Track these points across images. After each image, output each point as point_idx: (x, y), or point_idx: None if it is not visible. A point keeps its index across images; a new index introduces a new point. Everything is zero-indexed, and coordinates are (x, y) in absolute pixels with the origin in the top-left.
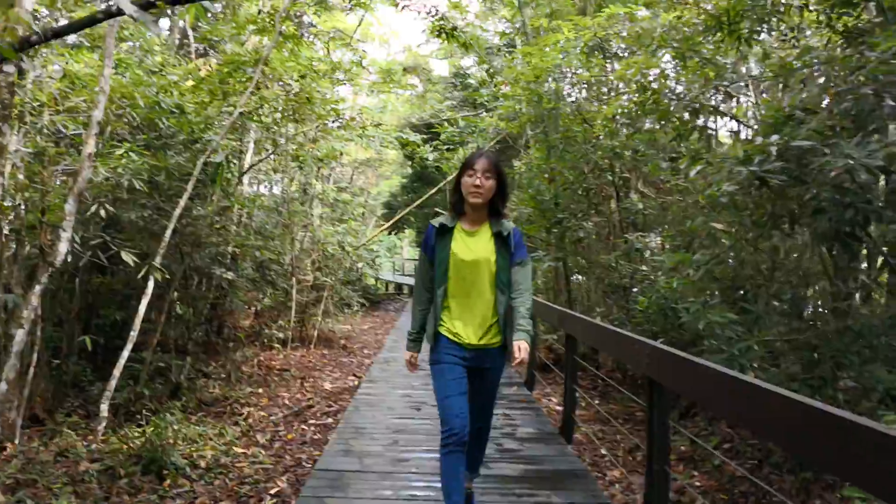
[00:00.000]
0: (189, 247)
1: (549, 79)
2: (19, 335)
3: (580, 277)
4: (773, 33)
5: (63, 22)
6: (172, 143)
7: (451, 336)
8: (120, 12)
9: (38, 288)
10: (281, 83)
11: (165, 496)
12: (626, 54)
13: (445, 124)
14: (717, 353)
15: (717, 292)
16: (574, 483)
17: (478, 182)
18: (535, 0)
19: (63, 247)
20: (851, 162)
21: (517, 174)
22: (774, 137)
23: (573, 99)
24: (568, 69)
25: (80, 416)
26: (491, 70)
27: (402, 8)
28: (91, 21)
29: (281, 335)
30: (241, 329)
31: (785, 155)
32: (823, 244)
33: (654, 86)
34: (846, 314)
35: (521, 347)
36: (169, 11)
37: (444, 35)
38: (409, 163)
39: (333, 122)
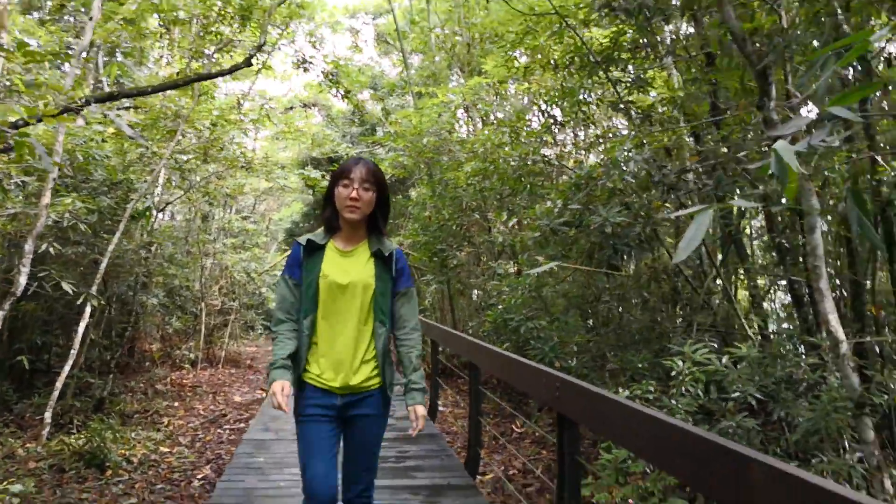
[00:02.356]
0: (112, 277)
1: (427, 132)
2: None
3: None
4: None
5: None
6: (101, 188)
7: (316, 382)
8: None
9: (0, 313)
10: (193, 130)
11: (109, 483)
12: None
13: (344, 158)
14: (537, 351)
15: (536, 307)
16: None
17: (354, 194)
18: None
19: (23, 279)
20: (600, 218)
21: (412, 204)
22: (559, 202)
23: (449, 149)
24: (443, 130)
25: (16, 428)
26: (385, 108)
27: (306, 70)
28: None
29: (192, 355)
30: (151, 351)
31: (564, 214)
32: (600, 270)
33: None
34: (616, 322)
35: (417, 414)
36: (91, 63)
37: (338, 86)
38: (311, 191)
39: (241, 165)
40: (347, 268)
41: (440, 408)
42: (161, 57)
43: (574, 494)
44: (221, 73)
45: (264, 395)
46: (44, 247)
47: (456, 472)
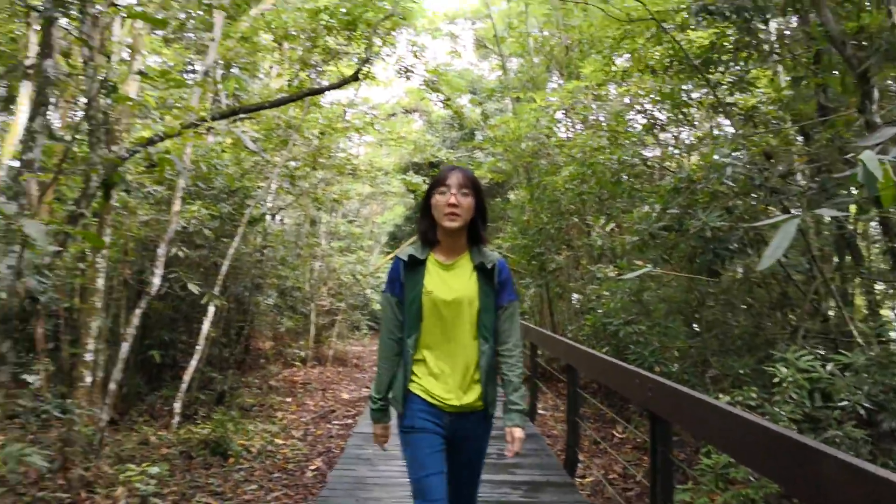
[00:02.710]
0: (231, 279)
1: (526, 137)
2: (124, 348)
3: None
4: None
5: None
6: (221, 196)
7: (426, 396)
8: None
9: (138, 311)
10: (303, 139)
11: (231, 470)
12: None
13: (444, 162)
14: (636, 355)
15: (636, 312)
16: None
17: (454, 199)
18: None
19: (157, 280)
20: (700, 223)
21: (511, 207)
22: (657, 206)
23: (547, 153)
24: (541, 134)
25: (148, 417)
26: (484, 112)
27: (408, 78)
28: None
29: (302, 354)
30: (265, 349)
31: (663, 218)
32: (700, 277)
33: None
34: (719, 327)
35: (515, 436)
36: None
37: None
38: (412, 195)
39: (347, 172)
40: (450, 282)
41: (540, 410)
42: (271, 68)
43: (666, 490)
44: (330, 88)
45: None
46: (173, 251)
47: (554, 470)
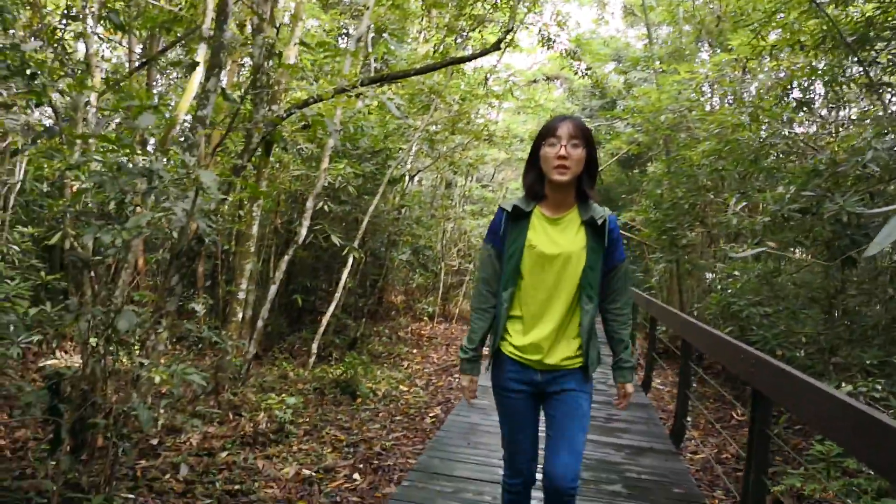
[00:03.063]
0: (370, 234)
1: (666, 109)
2: (272, 290)
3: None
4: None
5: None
6: (365, 155)
7: (517, 356)
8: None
9: (286, 258)
10: (444, 104)
11: (358, 409)
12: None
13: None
14: (759, 337)
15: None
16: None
17: (563, 152)
18: (668, 27)
19: (304, 231)
20: (836, 207)
21: (648, 179)
22: (791, 188)
23: (688, 126)
24: (682, 107)
25: (288, 355)
26: (627, 82)
27: (550, 47)
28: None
29: (430, 309)
30: (396, 303)
31: (799, 199)
32: (831, 263)
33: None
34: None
35: (627, 391)
36: (362, 43)
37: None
38: None
39: (484, 138)
40: (556, 237)
41: (658, 385)
42: (420, 33)
43: (760, 465)
44: (474, 56)
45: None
46: (320, 204)
47: (660, 438)
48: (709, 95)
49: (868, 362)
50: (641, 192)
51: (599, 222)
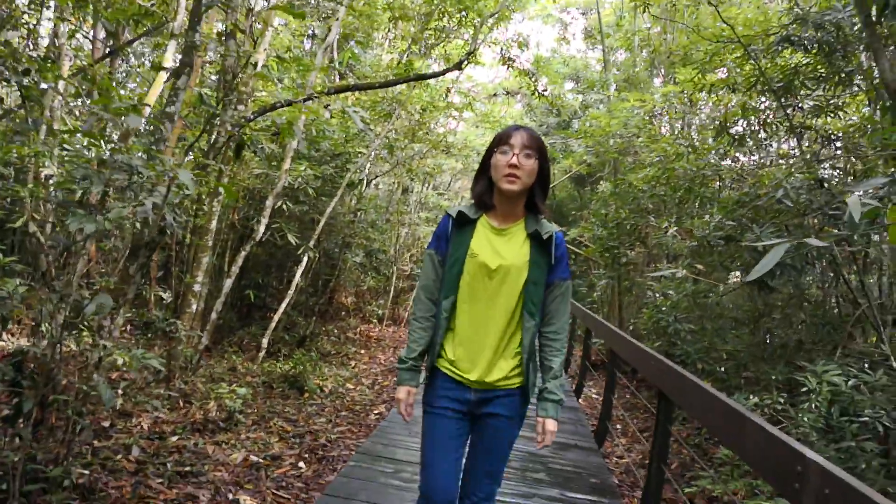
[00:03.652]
0: (325, 235)
1: (615, 134)
2: (227, 284)
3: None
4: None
5: None
6: (325, 158)
7: (450, 372)
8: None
9: (243, 253)
10: (405, 113)
11: (305, 404)
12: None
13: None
14: (682, 351)
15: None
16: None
17: (515, 160)
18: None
19: (262, 228)
20: (753, 236)
21: (596, 198)
22: (717, 216)
23: (635, 151)
24: (630, 133)
25: (237, 348)
26: (584, 103)
27: (510, 67)
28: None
29: (380, 312)
30: (346, 304)
31: (723, 228)
32: (748, 289)
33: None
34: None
35: (547, 428)
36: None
37: (535, 83)
38: None
39: (442, 149)
40: (500, 248)
41: (592, 394)
42: (385, 40)
43: (662, 454)
44: (436, 74)
45: None
46: (279, 204)
47: (585, 437)
48: (657, 123)
49: (773, 377)
50: (590, 209)
51: (545, 237)
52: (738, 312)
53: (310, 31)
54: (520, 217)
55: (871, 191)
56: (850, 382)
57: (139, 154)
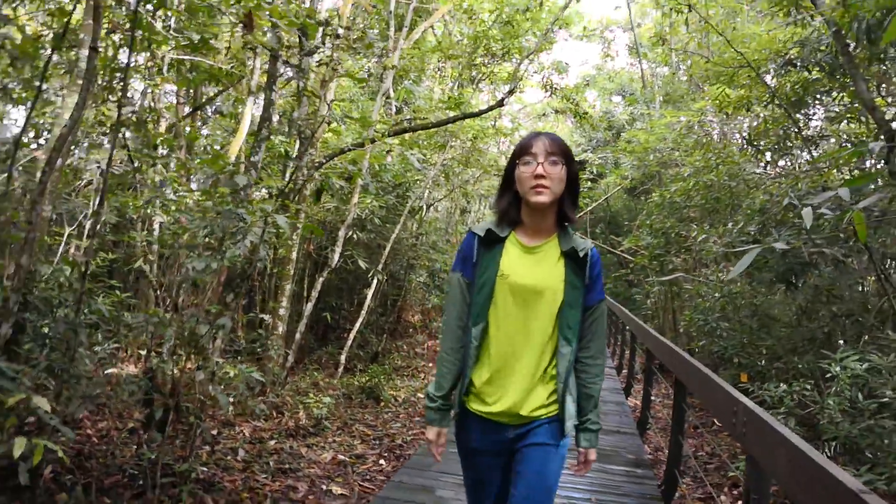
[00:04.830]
0: (390, 258)
1: (655, 150)
2: (308, 307)
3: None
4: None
5: None
6: (388, 188)
7: (483, 412)
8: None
9: (321, 279)
10: (458, 142)
11: (381, 411)
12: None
13: (588, 163)
14: (719, 347)
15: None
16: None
17: (540, 171)
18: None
19: (336, 256)
20: (771, 240)
21: (646, 209)
22: (741, 222)
23: (675, 163)
24: (668, 147)
25: (317, 366)
26: (631, 115)
27: (552, 94)
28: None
29: None
30: (413, 321)
31: (746, 234)
32: (774, 286)
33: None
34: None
35: (589, 459)
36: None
37: (577, 117)
38: None
39: (494, 173)
40: (532, 268)
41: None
42: (436, 73)
43: (679, 427)
44: (481, 113)
45: None
46: (349, 233)
47: (627, 425)
48: (696, 136)
49: (799, 366)
50: (639, 220)
51: (581, 254)
52: (776, 310)
53: (365, 71)
54: (551, 232)
55: (828, 203)
56: (863, 366)
57: (250, 207)
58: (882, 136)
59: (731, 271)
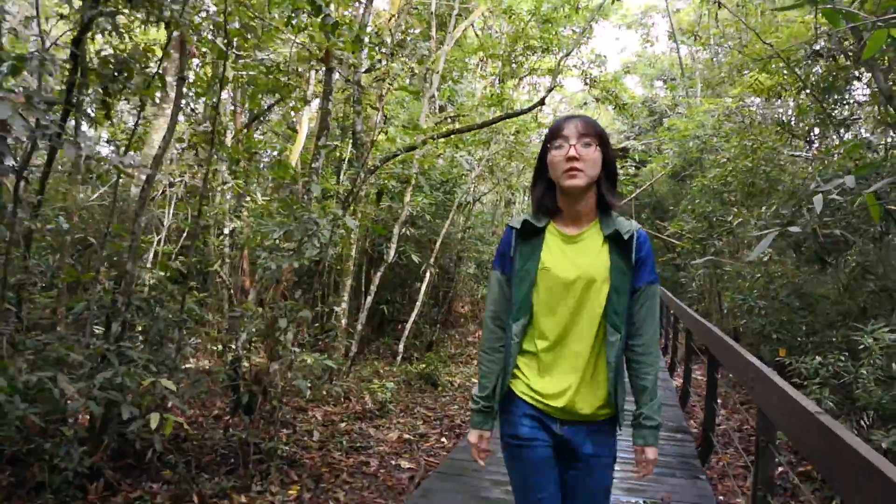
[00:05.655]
0: (440, 252)
1: (693, 136)
2: (368, 301)
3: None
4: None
5: None
6: (436, 185)
7: (531, 398)
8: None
9: (377, 274)
10: (502, 136)
11: (439, 395)
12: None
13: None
14: (757, 325)
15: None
16: None
17: (573, 153)
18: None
19: (392, 252)
20: (803, 222)
21: (688, 194)
22: (774, 206)
23: (715, 149)
24: (707, 133)
25: (376, 356)
26: (673, 100)
27: (591, 87)
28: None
29: None
30: (463, 312)
31: (780, 216)
32: (807, 265)
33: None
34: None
35: (649, 458)
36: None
37: (616, 100)
38: None
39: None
40: (575, 257)
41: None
42: (476, 69)
43: (712, 394)
44: (523, 112)
45: None
46: (403, 230)
47: (671, 399)
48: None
49: (832, 340)
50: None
51: (626, 237)
52: (820, 288)
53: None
54: (592, 218)
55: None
56: (893, 336)
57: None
58: None
59: (748, 256)
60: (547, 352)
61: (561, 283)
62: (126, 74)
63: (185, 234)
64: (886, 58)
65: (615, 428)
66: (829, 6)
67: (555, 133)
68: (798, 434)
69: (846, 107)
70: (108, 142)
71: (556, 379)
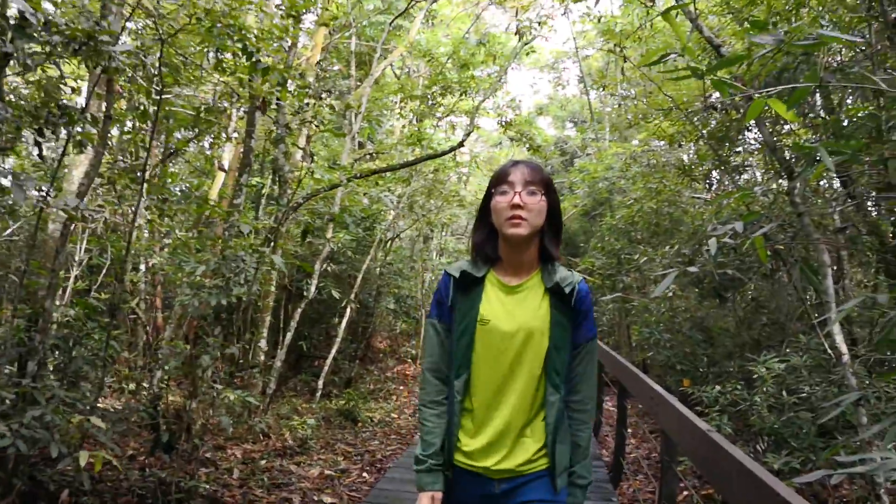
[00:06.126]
0: (360, 287)
1: (603, 178)
2: (288, 337)
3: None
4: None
5: None
6: (356, 221)
7: (468, 465)
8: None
9: (298, 310)
10: (421, 175)
11: (359, 431)
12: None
13: None
14: (662, 356)
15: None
16: None
17: (518, 200)
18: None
19: (313, 288)
20: (702, 261)
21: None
22: (676, 245)
23: (622, 189)
24: (615, 175)
25: (294, 392)
26: (583, 142)
27: (506, 129)
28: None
29: (413, 352)
30: (382, 347)
31: (681, 255)
32: (707, 300)
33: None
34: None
35: None
36: (349, 123)
37: (531, 142)
38: None
39: (455, 203)
40: (514, 309)
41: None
42: (396, 104)
43: (622, 422)
44: (443, 154)
45: None
46: (324, 266)
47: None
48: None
49: (732, 370)
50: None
51: (567, 290)
52: (719, 322)
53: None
54: (533, 268)
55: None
56: (781, 366)
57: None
58: (783, 174)
59: (653, 292)
60: (483, 409)
61: (499, 335)
62: (48, 110)
63: (104, 271)
64: (770, 114)
65: (551, 481)
66: (715, 77)
67: (500, 178)
68: (694, 448)
69: (739, 154)
70: (12, 175)
71: (491, 436)
